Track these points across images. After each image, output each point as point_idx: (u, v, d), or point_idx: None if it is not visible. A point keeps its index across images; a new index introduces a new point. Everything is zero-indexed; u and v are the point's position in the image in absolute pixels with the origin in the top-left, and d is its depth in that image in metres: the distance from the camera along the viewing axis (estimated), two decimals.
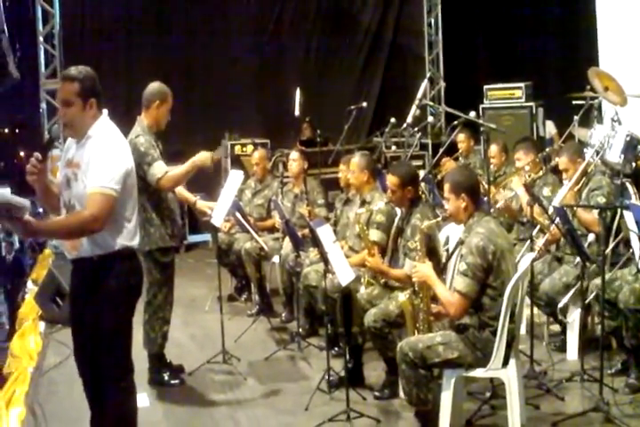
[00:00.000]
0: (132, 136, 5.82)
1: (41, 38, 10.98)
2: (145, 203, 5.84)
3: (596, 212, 5.85)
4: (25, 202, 3.74)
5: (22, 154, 9.07)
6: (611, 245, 5.97)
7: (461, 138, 9.19)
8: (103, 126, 4.30)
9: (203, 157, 5.95)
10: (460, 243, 4.92)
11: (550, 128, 10.92)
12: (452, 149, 9.12)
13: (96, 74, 4.32)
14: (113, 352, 4.31)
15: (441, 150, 8.35)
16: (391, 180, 5.78)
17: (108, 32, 12.11)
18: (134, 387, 4.47)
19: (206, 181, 7.52)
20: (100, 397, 4.38)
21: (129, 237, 4.31)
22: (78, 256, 4.29)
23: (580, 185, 6.32)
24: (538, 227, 6.40)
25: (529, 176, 6.85)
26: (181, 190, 6.34)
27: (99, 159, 4.14)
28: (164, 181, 5.83)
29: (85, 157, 4.20)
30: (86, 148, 4.23)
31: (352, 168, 6.61)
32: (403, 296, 5.24)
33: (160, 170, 5.81)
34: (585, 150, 6.70)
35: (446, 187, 4.97)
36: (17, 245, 8.42)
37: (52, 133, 9.30)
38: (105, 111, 4.37)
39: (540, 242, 6.35)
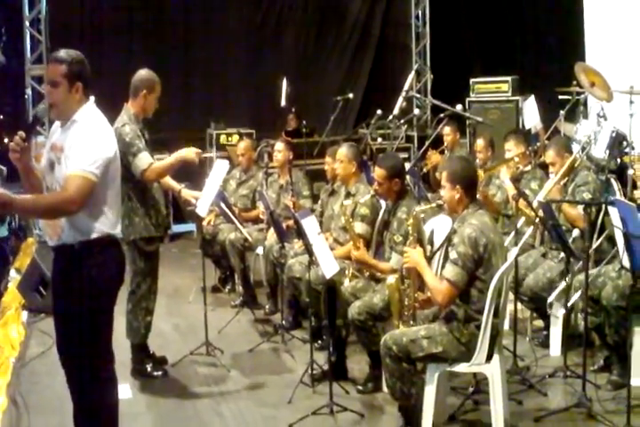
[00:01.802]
0: (117, 124, 5.77)
1: (27, 23, 10.88)
2: (129, 192, 5.82)
3: (581, 207, 5.85)
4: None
5: (6, 140, 8.96)
6: (595, 243, 5.97)
7: (447, 131, 9.16)
8: (89, 112, 4.26)
9: (188, 152, 5.92)
10: (453, 232, 4.90)
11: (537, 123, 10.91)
12: (437, 142, 9.11)
13: (85, 59, 4.28)
14: (93, 342, 4.27)
15: (427, 143, 8.35)
16: (378, 172, 5.75)
17: (98, 17, 12.06)
18: (115, 378, 4.43)
19: (191, 171, 7.47)
20: (81, 388, 4.34)
21: (110, 224, 4.26)
22: (60, 242, 4.25)
23: (566, 180, 6.32)
24: (523, 219, 6.40)
25: (517, 168, 6.84)
26: (167, 179, 6.29)
27: (82, 143, 4.11)
28: (149, 172, 5.80)
29: (69, 141, 4.16)
30: (70, 132, 4.20)
31: (339, 158, 6.58)
32: (392, 278, 5.23)
33: (145, 162, 5.77)
34: (572, 145, 6.72)
35: (443, 175, 4.94)
36: (5, 233, 8.35)
37: (37, 113, 9.20)
38: (92, 98, 4.34)
39: (528, 232, 6.37)
